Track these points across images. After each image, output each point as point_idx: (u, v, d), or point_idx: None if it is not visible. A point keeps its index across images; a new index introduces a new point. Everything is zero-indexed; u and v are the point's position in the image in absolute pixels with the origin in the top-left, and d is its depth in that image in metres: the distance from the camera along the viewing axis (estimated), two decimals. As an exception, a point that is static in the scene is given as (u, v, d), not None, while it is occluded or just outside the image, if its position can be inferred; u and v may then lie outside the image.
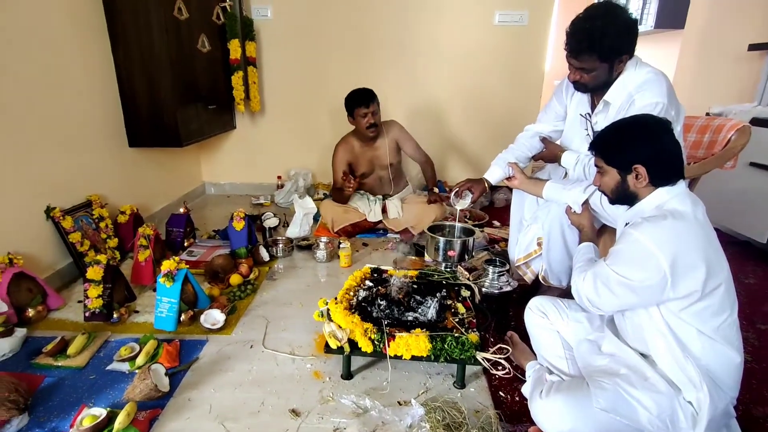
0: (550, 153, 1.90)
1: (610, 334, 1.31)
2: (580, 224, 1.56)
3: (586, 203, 1.56)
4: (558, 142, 1.96)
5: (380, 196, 2.90)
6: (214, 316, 1.80)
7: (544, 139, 1.94)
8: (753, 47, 2.90)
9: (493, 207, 3.50)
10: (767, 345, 1.80)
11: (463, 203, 2.06)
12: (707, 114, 2.98)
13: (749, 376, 1.59)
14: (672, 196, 1.16)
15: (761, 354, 1.74)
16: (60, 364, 1.55)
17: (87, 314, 1.77)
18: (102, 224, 2.29)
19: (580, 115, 1.75)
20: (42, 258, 2.01)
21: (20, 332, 1.65)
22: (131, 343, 1.63)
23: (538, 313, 1.52)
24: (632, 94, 1.54)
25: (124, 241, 2.39)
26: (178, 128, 2.58)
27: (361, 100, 2.60)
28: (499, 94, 3.48)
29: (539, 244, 1.90)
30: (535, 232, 1.92)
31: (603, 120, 1.65)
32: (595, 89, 1.65)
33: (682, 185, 1.19)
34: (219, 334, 1.76)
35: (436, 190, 2.85)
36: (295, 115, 3.56)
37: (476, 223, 3.04)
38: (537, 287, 2.00)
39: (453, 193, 2.06)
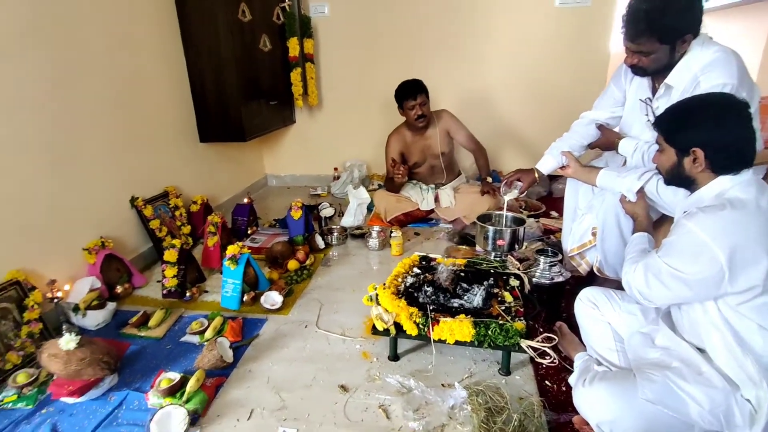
0: (606, 140, 1.82)
1: (664, 327, 1.25)
2: (634, 213, 1.49)
3: (641, 191, 1.49)
4: (616, 129, 1.87)
5: (433, 186, 2.92)
6: (273, 298, 1.94)
7: (600, 126, 1.86)
8: None
9: (552, 197, 3.38)
10: None
11: (512, 194, 2.04)
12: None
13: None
14: (734, 184, 1.09)
15: None
16: (142, 335, 1.76)
17: (164, 292, 1.98)
18: (177, 213, 2.53)
19: (640, 100, 1.66)
20: (127, 242, 2.27)
21: (111, 306, 1.89)
22: (201, 318, 1.81)
23: (588, 304, 1.49)
24: (697, 75, 1.43)
25: (195, 228, 2.62)
26: (243, 124, 2.77)
27: (408, 92, 2.63)
28: (560, 80, 3.34)
29: (594, 234, 1.83)
30: (590, 221, 1.86)
31: (665, 105, 1.55)
32: (655, 72, 1.55)
33: (748, 173, 1.10)
34: (277, 314, 1.89)
35: (489, 179, 2.82)
36: (351, 109, 3.66)
37: (532, 213, 2.97)
38: (592, 279, 1.94)
39: (502, 184, 2.05)
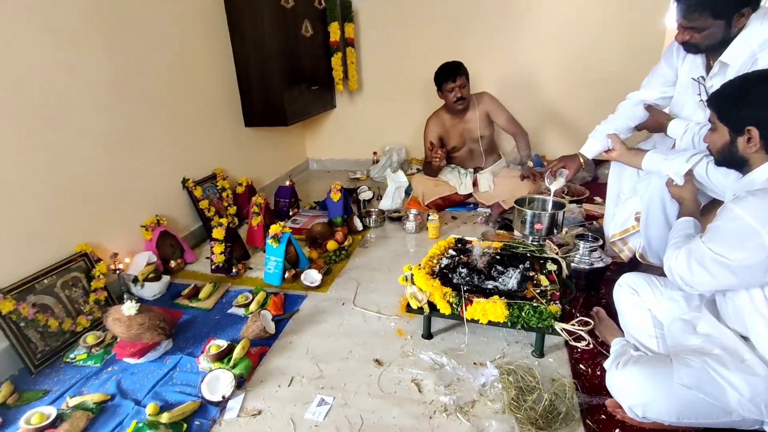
0: (655, 122, 1.75)
1: (708, 314, 1.21)
2: (680, 197, 1.43)
3: (689, 174, 1.43)
4: (666, 110, 1.78)
5: (471, 170, 2.90)
6: (312, 276, 2.02)
7: (649, 107, 1.78)
8: None
9: (597, 182, 3.27)
10: None
11: (558, 183, 2.00)
12: None
13: None
14: None
15: None
16: (193, 305, 1.90)
17: (213, 267, 2.11)
18: (224, 194, 2.67)
19: (693, 79, 1.57)
20: (180, 220, 2.42)
21: (165, 279, 2.04)
22: (246, 293, 1.93)
23: (628, 289, 1.46)
24: (756, 52, 1.34)
25: (240, 209, 2.75)
26: (285, 109, 2.86)
27: (447, 74, 2.61)
28: (609, 58, 3.18)
29: (637, 220, 1.78)
30: (634, 206, 1.80)
31: (719, 84, 1.47)
32: (708, 49, 1.46)
33: None
34: (316, 292, 1.98)
35: (530, 163, 2.76)
36: (391, 92, 3.67)
37: (575, 198, 2.89)
38: (634, 265, 1.88)
39: (547, 173, 2.01)
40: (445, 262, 1.78)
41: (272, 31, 2.67)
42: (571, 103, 3.39)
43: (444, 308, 1.52)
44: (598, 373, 1.43)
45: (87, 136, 1.86)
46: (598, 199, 2.92)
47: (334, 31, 3.17)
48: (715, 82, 1.50)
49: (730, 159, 1.15)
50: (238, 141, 2.95)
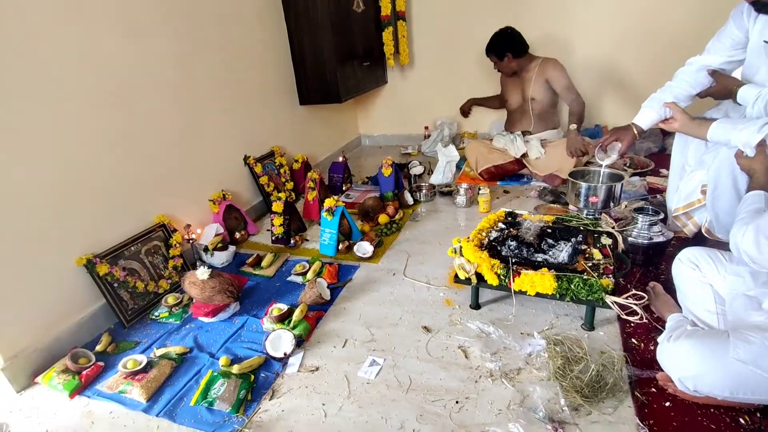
0: (722, 87, 1.61)
1: None
2: (750, 169, 1.34)
3: (761, 145, 1.32)
4: (739, 77, 1.64)
5: (520, 132, 2.87)
6: (365, 248, 2.11)
7: (714, 72, 1.65)
8: None
9: (664, 154, 3.06)
10: None
11: (610, 159, 1.91)
12: None
13: None
14: None
15: None
16: (257, 273, 2.06)
17: (273, 239, 2.27)
18: (282, 170, 2.81)
19: (765, 42, 1.44)
20: (242, 195, 2.60)
21: (231, 248, 2.22)
22: (303, 262, 2.06)
23: (689, 264, 1.41)
24: None
25: (297, 184, 2.90)
26: (338, 85, 2.92)
27: (488, 50, 2.81)
28: (675, 20, 2.92)
29: (703, 193, 1.68)
30: (700, 179, 1.71)
31: None
32: None
33: None
34: (368, 262, 2.07)
35: (573, 127, 2.60)
36: (442, 66, 3.62)
37: (638, 171, 2.74)
38: (698, 240, 1.79)
39: (597, 148, 1.93)
40: (494, 235, 1.79)
41: (324, 7, 2.72)
42: (634, 70, 3.17)
43: (491, 279, 1.55)
44: (651, 347, 1.40)
45: (158, 120, 2.04)
46: (664, 171, 2.74)
47: (385, 5, 3.17)
48: None
49: None
50: (294, 119, 3.07)
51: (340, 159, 3.00)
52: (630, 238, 1.81)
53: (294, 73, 2.98)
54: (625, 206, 2.18)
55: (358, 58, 3.15)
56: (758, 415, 1.15)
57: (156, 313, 1.82)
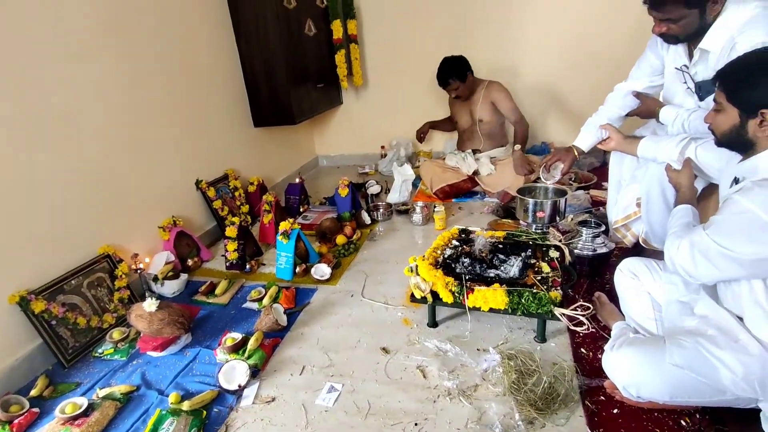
0: (646, 108, 1.77)
1: (706, 296, 1.23)
2: (677, 183, 1.44)
3: (688, 160, 1.43)
4: (661, 99, 1.79)
5: (470, 151, 2.98)
6: (322, 270, 2.09)
7: (639, 94, 1.80)
8: None
9: (605, 168, 3.25)
10: None
11: (554, 178, 2.03)
12: None
13: None
14: None
15: None
16: (210, 301, 1.99)
17: (227, 264, 2.21)
18: (236, 193, 2.76)
19: (676, 68, 1.59)
20: (195, 220, 2.52)
21: (183, 276, 2.14)
22: (259, 288, 2.01)
23: (628, 274, 1.49)
24: (734, 36, 1.35)
25: (253, 207, 2.84)
26: (292, 108, 2.92)
27: (439, 81, 2.88)
28: (612, 44, 3.14)
29: (639, 206, 1.80)
30: (635, 192, 1.82)
31: (702, 71, 1.49)
32: (688, 39, 1.48)
33: None
34: (326, 285, 2.05)
35: (517, 147, 2.77)
36: (396, 86, 3.70)
37: (582, 185, 2.90)
38: (639, 250, 1.90)
39: (542, 168, 2.04)
40: (448, 252, 1.83)
41: (276, 32, 2.73)
42: (575, 90, 3.37)
43: (446, 297, 1.57)
44: (599, 356, 1.46)
45: (104, 144, 1.96)
46: (605, 184, 2.90)
47: (337, 29, 3.22)
48: (698, 70, 1.52)
49: (736, 141, 1.11)
50: (248, 141, 3.03)
51: (297, 180, 2.98)
52: (576, 251, 1.89)
53: (247, 96, 2.95)
54: (571, 219, 2.29)
55: (312, 80, 3.17)
56: (698, 416, 1.22)
57: (100, 350, 1.72)
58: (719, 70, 1.14)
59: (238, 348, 1.59)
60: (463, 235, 1.96)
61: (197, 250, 2.36)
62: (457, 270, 1.70)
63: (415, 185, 3.12)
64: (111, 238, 1.99)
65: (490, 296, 1.51)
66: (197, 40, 2.52)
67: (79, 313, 1.75)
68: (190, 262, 2.28)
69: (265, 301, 1.91)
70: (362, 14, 3.47)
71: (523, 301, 1.49)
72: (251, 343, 1.59)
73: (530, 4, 3.21)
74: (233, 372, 1.49)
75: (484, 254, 1.77)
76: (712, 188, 1.55)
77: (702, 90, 1.54)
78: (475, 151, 2.99)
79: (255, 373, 1.52)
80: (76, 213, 1.83)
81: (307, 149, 3.99)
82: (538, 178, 2.38)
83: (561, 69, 3.34)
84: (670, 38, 1.51)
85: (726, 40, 1.38)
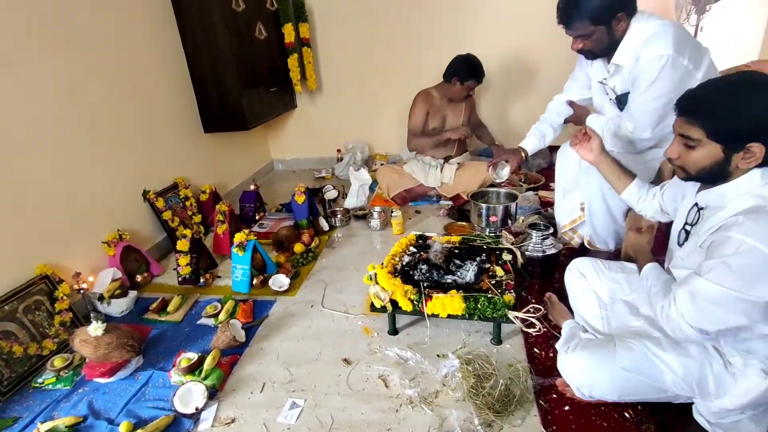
0: (577, 116, 1.93)
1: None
2: (636, 252, 1.39)
3: (650, 229, 1.50)
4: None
5: (441, 160, 2.93)
6: (280, 280, 2.06)
7: (572, 103, 1.96)
8: None
9: (552, 169, 3.40)
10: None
11: (501, 176, 2.11)
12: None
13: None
14: (766, 181, 0.98)
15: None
16: (162, 319, 1.91)
17: (180, 279, 2.12)
18: (188, 203, 2.65)
19: (598, 82, 1.74)
20: (143, 233, 2.40)
21: (132, 294, 2.04)
22: (215, 302, 1.95)
23: (577, 274, 1.56)
24: (638, 50, 1.51)
25: (206, 217, 2.75)
26: (244, 112, 2.84)
27: (477, 75, 2.68)
28: (552, 56, 3.28)
29: (583, 210, 1.90)
30: (578, 197, 1.92)
31: (619, 84, 1.65)
32: (603, 54, 1.63)
33: None
34: (285, 296, 2.02)
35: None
36: (350, 90, 3.69)
37: (531, 186, 3.02)
38: (585, 250, 2.01)
39: (489, 168, 2.12)
40: (406, 259, 1.85)
41: (225, 35, 2.65)
42: (520, 97, 3.51)
43: (406, 305, 1.60)
44: (551, 355, 1.54)
45: (38, 155, 1.83)
46: (553, 185, 3.05)
47: (289, 32, 3.16)
48: (615, 83, 1.67)
49: (714, 175, 1.04)
50: (198, 148, 2.92)
51: (252, 187, 2.91)
52: (527, 252, 1.98)
53: (196, 101, 2.84)
54: (522, 221, 2.39)
55: (264, 84, 3.10)
56: (639, 408, 1.31)
57: (40, 380, 1.60)
58: (692, 103, 1.05)
59: (194, 368, 1.53)
60: (420, 241, 1.99)
61: (147, 264, 2.25)
62: (416, 277, 1.73)
63: (372, 189, 3.13)
64: (49, 256, 1.86)
65: (447, 303, 1.55)
66: (139, 44, 2.39)
67: (14, 341, 1.62)
68: (139, 278, 2.17)
69: (222, 316, 1.86)
70: (314, 17, 3.43)
71: (479, 306, 1.54)
72: (208, 363, 1.54)
73: (482, 11, 3.30)
74: (189, 394, 1.44)
75: (441, 260, 1.81)
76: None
77: (622, 103, 1.70)
78: (446, 158, 2.94)
79: (213, 394, 1.47)
80: (8, 231, 1.70)
81: (262, 154, 3.90)
82: (492, 184, 2.48)
83: (506, 76, 3.46)
84: (587, 54, 1.66)
85: (633, 55, 1.53)
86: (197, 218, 2.67)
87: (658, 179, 1.74)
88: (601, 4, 1.50)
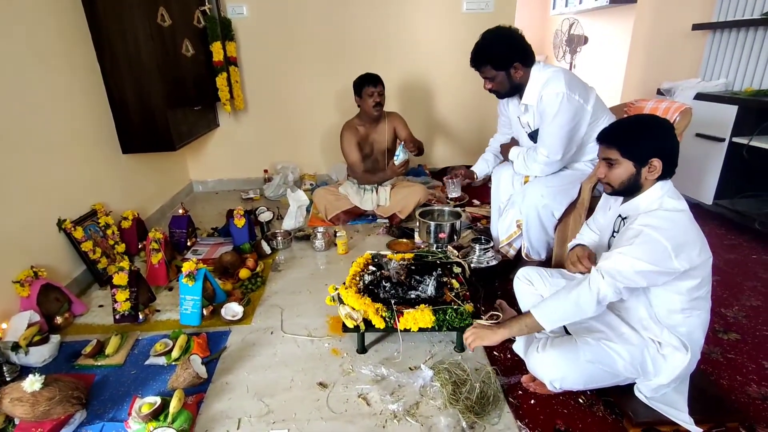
0: (504, 150, 2.25)
1: None
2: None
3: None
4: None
5: (375, 185, 3.02)
6: (233, 309, 1.97)
7: (502, 145, 2.30)
8: (696, 27, 3.19)
9: (471, 187, 3.73)
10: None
11: (452, 192, 2.33)
12: (659, 91, 3.27)
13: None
14: (665, 192, 1.29)
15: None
16: (101, 364, 1.70)
17: (117, 317, 1.91)
18: (108, 231, 2.39)
19: (517, 117, 2.08)
20: (59, 268, 2.11)
21: (55, 338, 1.78)
22: (164, 339, 1.80)
23: (525, 281, 1.75)
24: (540, 91, 1.87)
25: (129, 246, 2.50)
26: (171, 132, 2.66)
27: (369, 80, 2.78)
28: (470, 82, 3.65)
29: (518, 226, 2.15)
30: (514, 215, 2.17)
31: (531, 120, 2.00)
32: (508, 94, 2.00)
33: (670, 182, 1.32)
34: (240, 325, 1.94)
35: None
36: (277, 110, 3.66)
37: (458, 204, 3.28)
38: (518, 260, 2.26)
39: (449, 180, 2.31)
40: (368, 278, 1.91)
41: (150, 50, 2.48)
42: (451, 117, 3.82)
43: (378, 323, 1.65)
44: (509, 356, 1.71)
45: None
46: (476, 201, 3.36)
47: (217, 51, 3.06)
48: (528, 119, 2.02)
49: (631, 187, 1.33)
50: (117, 171, 2.66)
51: (180, 212, 2.71)
52: (472, 265, 2.17)
53: (113, 120, 2.59)
54: (464, 237, 2.59)
55: (191, 102, 2.94)
56: (589, 393, 1.52)
57: (-48, 454, 1.33)
58: (610, 135, 1.34)
59: (158, 413, 1.40)
60: (377, 260, 2.06)
61: (69, 303, 1.98)
62: (381, 295, 1.80)
63: (308, 210, 3.12)
64: (-53, 303, 1.56)
65: (419, 317, 1.64)
66: (48, 60, 2.13)
67: None
68: (59, 320, 1.90)
69: (175, 353, 1.72)
70: (240, 36, 3.37)
71: (447, 317, 1.66)
72: (174, 405, 1.42)
73: (403, 35, 3.53)
74: (159, 442, 1.32)
75: (402, 277, 1.90)
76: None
77: (533, 138, 2.04)
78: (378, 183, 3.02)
79: (185, 437, 1.37)
80: None
81: (180, 175, 3.65)
82: (433, 201, 2.66)
83: (437, 96, 3.74)
84: (496, 93, 2.01)
85: (537, 96, 1.89)
86: (120, 247, 2.42)
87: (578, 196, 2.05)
88: (500, 55, 1.86)
